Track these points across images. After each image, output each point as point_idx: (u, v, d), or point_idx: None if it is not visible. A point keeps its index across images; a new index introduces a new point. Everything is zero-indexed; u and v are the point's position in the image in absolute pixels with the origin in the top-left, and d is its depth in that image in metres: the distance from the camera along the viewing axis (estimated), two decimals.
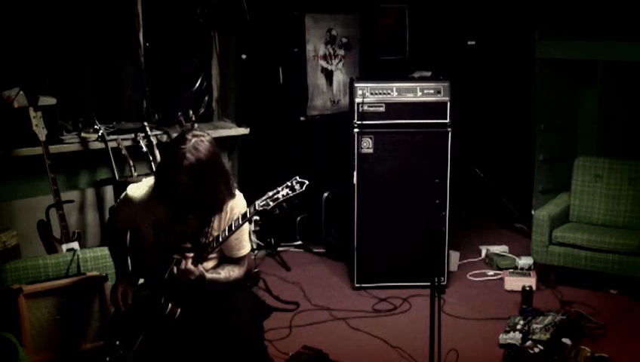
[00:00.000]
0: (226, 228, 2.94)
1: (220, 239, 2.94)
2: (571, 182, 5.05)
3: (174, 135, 4.91)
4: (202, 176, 2.80)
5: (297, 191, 2.85)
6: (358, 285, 4.84)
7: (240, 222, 2.91)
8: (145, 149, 4.65)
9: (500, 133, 6.23)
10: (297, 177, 2.88)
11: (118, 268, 3.24)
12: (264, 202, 2.86)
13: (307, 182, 2.86)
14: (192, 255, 2.93)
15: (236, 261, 3.10)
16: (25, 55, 4.49)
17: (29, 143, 4.23)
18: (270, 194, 2.87)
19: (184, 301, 2.98)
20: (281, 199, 2.85)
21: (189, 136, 2.84)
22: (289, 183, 2.87)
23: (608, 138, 5.30)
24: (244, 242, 3.10)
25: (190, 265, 2.90)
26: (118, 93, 5.12)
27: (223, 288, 3.02)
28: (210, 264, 3.05)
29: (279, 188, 2.87)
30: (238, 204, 3.04)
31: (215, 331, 2.99)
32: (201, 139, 2.84)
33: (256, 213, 2.87)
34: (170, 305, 2.95)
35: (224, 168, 2.95)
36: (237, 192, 3.08)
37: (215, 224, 3.01)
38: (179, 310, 2.96)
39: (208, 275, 2.97)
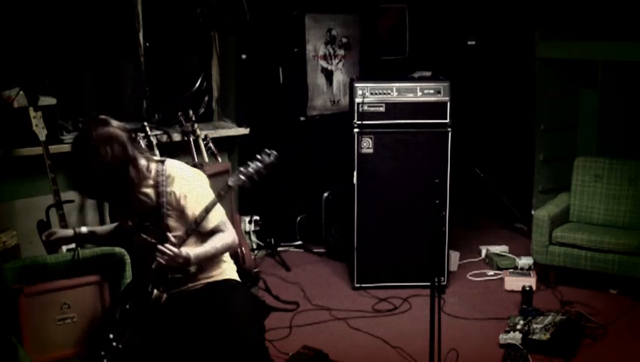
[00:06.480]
0: (203, 210, 2.90)
1: (199, 220, 2.91)
2: (571, 182, 5.04)
3: (174, 135, 4.94)
4: (104, 169, 2.80)
5: (267, 162, 2.92)
6: (358, 285, 4.84)
7: (216, 201, 2.92)
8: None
9: (500, 133, 6.23)
10: (266, 149, 2.95)
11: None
12: (235, 177, 2.89)
13: (276, 153, 2.94)
14: (174, 240, 2.90)
15: (211, 233, 3.02)
16: (25, 55, 4.48)
17: (29, 143, 4.22)
18: (241, 169, 2.91)
19: (171, 286, 2.97)
20: (252, 172, 2.89)
21: (78, 138, 2.92)
22: (258, 156, 2.93)
23: (608, 138, 5.30)
24: (209, 215, 2.99)
25: (173, 248, 2.86)
26: (118, 93, 5.12)
27: (216, 257, 3.04)
28: (191, 246, 3.00)
29: (249, 163, 2.92)
30: (172, 169, 2.98)
31: (215, 333, 2.99)
32: (84, 136, 2.90)
33: (229, 189, 2.89)
34: (155, 291, 2.93)
35: (124, 149, 2.91)
36: (165, 159, 3.06)
37: (166, 192, 2.94)
38: (165, 296, 2.94)
39: (193, 253, 2.93)
